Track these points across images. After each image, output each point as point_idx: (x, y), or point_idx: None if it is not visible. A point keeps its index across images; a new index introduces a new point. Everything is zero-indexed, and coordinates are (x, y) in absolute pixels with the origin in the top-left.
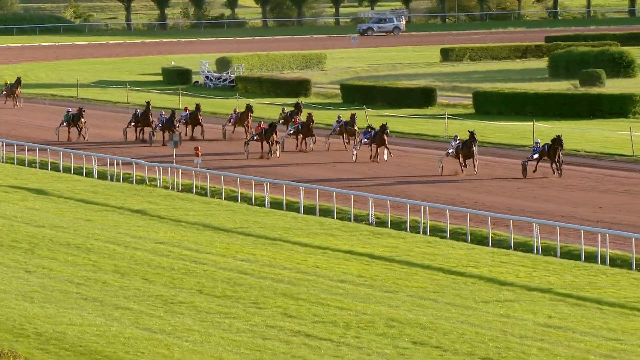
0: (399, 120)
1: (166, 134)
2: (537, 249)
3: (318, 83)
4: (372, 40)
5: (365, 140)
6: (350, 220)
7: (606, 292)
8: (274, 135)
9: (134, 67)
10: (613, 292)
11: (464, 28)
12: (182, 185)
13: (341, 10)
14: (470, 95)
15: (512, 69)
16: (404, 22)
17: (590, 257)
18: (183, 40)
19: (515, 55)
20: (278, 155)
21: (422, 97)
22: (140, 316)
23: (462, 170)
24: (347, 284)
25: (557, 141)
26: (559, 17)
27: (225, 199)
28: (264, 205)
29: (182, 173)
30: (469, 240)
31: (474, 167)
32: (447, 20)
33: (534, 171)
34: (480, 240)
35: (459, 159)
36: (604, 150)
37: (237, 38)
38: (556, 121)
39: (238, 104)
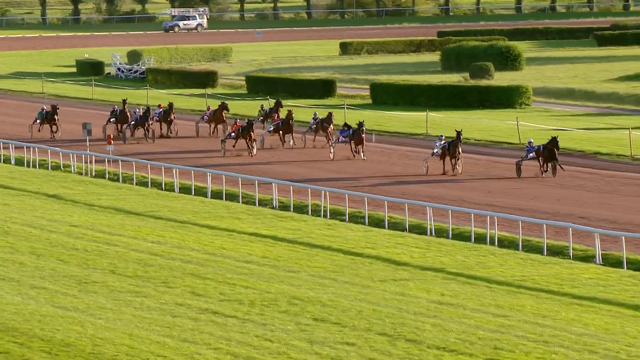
0: (300, 110)
1: (140, 131)
2: (431, 231)
3: (224, 75)
4: (275, 34)
5: (343, 138)
6: (255, 205)
7: (495, 272)
8: (251, 133)
9: (49, 59)
10: (501, 271)
11: (361, 23)
12: (95, 171)
13: (246, 6)
14: (368, 87)
15: (406, 62)
16: (206, 20)
17: (480, 239)
18: (96, 34)
19: (410, 49)
20: (255, 153)
21: (322, 88)
22: (56, 295)
23: (452, 169)
24: (251, 265)
25: (553, 142)
26: (451, 14)
27: (136, 184)
28: (174, 190)
29: (95, 160)
30: (366, 223)
31: (454, 166)
32: (345, 16)
33: (542, 173)
34: (377, 223)
35: (444, 159)
36: (492, 139)
37: (147, 32)
38: (448, 111)
39: (148, 94)
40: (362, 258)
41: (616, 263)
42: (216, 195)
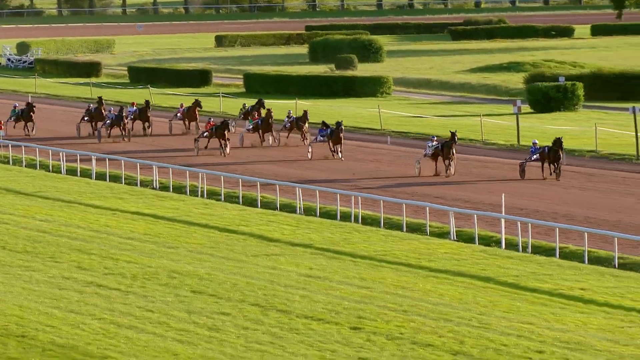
0: (180, 97)
1: (115, 129)
2: (300, 210)
3: (108, 65)
4: (155, 28)
5: (321, 137)
6: (137, 186)
7: (359, 247)
8: (225, 132)
9: None
10: (364, 246)
11: (235, 18)
12: None
13: (128, 1)
14: (242, 77)
15: (277, 54)
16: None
17: (345, 217)
18: None
19: (280, 42)
20: (228, 152)
21: (199, 78)
22: None
23: (445, 170)
24: (134, 241)
25: (558, 143)
26: (317, 9)
27: (25, 166)
28: (60, 172)
29: None
30: (241, 203)
31: (448, 167)
32: (220, 11)
33: (544, 177)
34: (250, 202)
35: (436, 160)
36: (357, 125)
37: (36, 25)
38: (316, 99)
39: (36, 82)
40: (237, 235)
41: (469, 239)
42: (100, 177)
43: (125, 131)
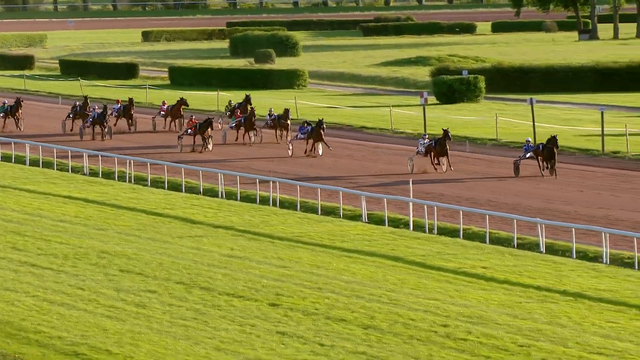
0: (108, 89)
1: (97, 128)
2: (222, 194)
3: (40, 58)
4: (85, 23)
5: (301, 135)
6: (68, 171)
7: (276, 229)
8: (208, 130)
9: None
10: (282, 228)
11: (161, 15)
12: None
13: None
14: (167, 70)
15: (200, 48)
16: None
17: (264, 201)
18: None
19: (203, 37)
20: (210, 148)
21: (127, 71)
22: None
23: (435, 168)
24: (65, 223)
25: (552, 141)
26: (238, 7)
27: None
28: None
29: None
30: (166, 188)
31: (449, 165)
32: (147, 8)
33: (542, 174)
34: (175, 187)
35: (431, 157)
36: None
37: None
38: (237, 91)
39: None
40: (163, 217)
41: (379, 221)
42: (34, 163)
43: (105, 129)
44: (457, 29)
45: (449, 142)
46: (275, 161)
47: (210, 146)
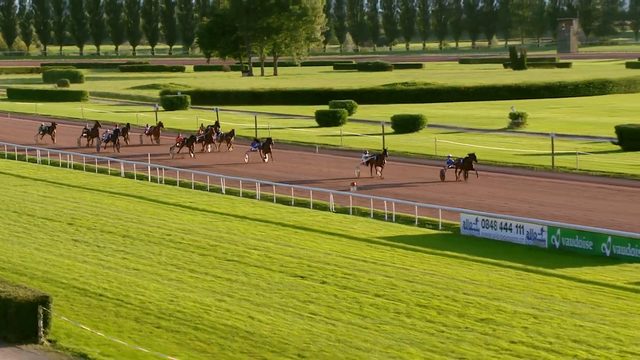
0: None
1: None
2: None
3: None
4: None
5: (254, 148)
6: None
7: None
8: (193, 144)
9: None
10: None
11: (2, 58)
12: None
13: None
14: (5, 90)
15: (25, 78)
16: None
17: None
18: None
19: (27, 71)
20: (192, 156)
21: None
22: None
23: (376, 174)
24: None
25: (472, 156)
26: (47, 55)
27: None
28: None
29: None
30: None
31: (381, 173)
32: None
33: (457, 179)
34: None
35: (371, 167)
36: (71, 116)
37: None
38: (47, 103)
39: None
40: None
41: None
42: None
43: (118, 145)
44: (174, 69)
45: (385, 158)
46: (239, 166)
47: (192, 154)
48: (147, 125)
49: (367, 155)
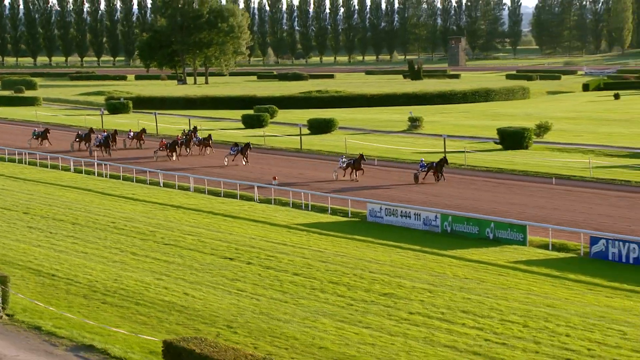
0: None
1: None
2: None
3: None
4: None
5: (232, 152)
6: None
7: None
8: (175, 147)
9: None
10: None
11: None
12: None
13: None
14: None
15: None
16: None
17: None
18: None
19: None
20: (175, 158)
21: None
22: None
23: (354, 178)
24: None
25: (444, 160)
26: (4, 64)
27: None
28: None
29: None
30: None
31: (357, 176)
32: None
33: (423, 179)
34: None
35: (349, 170)
36: (24, 119)
37: None
38: (5, 107)
39: None
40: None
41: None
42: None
43: (108, 149)
44: (118, 77)
45: (363, 162)
46: (216, 169)
47: (174, 157)
48: (130, 131)
49: (344, 159)
